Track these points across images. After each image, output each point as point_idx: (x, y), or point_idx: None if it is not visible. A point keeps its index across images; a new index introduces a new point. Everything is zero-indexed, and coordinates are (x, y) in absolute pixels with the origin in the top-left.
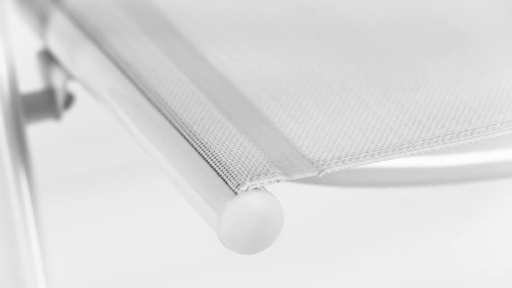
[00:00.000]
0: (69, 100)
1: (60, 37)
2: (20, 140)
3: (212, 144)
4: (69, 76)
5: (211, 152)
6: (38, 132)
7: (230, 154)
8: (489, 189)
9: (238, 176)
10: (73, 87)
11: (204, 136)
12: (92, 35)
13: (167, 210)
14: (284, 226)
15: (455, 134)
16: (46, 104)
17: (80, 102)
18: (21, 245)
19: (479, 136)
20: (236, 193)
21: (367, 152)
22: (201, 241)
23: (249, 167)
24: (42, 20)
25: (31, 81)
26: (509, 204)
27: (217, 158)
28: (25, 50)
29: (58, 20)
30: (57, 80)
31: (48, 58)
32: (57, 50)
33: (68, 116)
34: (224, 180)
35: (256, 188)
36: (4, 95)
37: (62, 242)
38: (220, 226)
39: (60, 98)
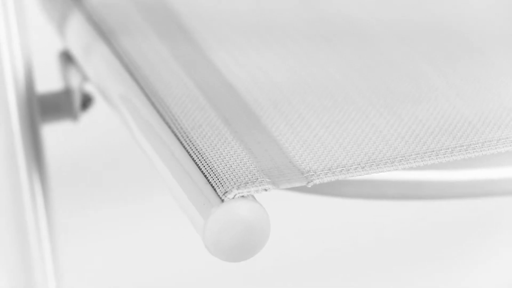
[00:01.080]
0: (87, 101)
1: (76, 37)
2: (35, 140)
3: (206, 150)
4: (85, 77)
5: (204, 158)
6: (54, 139)
7: (223, 161)
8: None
9: (226, 184)
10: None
11: (200, 142)
12: (106, 35)
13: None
14: (271, 235)
15: (450, 149)
16: (63, 104)
17: (99, 107)
18: (33, 248)
19: (474, 152)
20: (222, 200)
21: (359, 164)
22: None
23: (238, 175)
24: (63, 20)
25: (53, 82)
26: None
27: (209, 165)
28: (49, 50)
29: (76, 20)
30: (74, 80)
31: (67, 58)
32: (74, 50)
33: (85, 122)
34: (213, 187)
35: (243, 196)
36: (20, 95)
37: (74, 250)
38: (205, 232)
39: (77, 99)
